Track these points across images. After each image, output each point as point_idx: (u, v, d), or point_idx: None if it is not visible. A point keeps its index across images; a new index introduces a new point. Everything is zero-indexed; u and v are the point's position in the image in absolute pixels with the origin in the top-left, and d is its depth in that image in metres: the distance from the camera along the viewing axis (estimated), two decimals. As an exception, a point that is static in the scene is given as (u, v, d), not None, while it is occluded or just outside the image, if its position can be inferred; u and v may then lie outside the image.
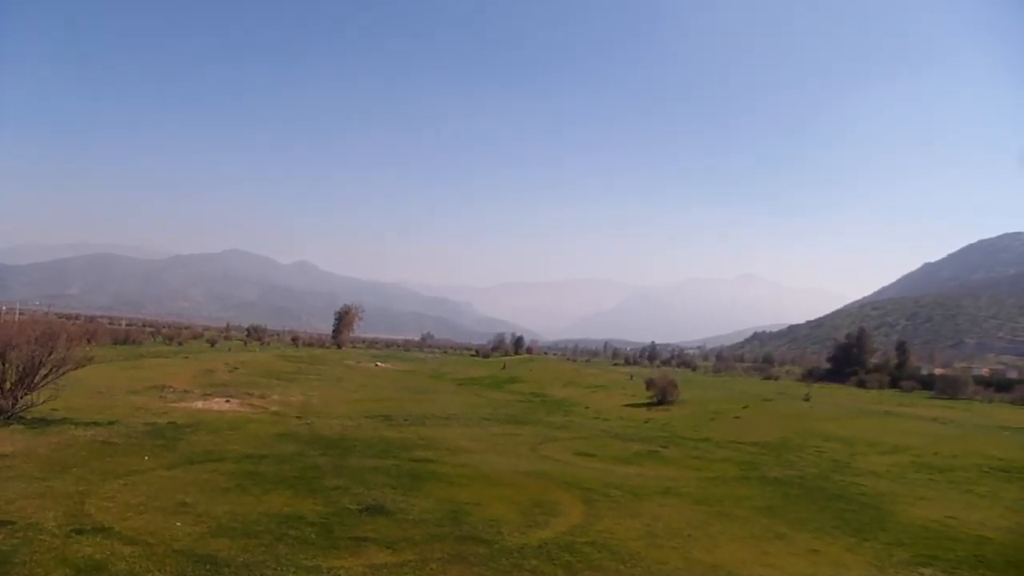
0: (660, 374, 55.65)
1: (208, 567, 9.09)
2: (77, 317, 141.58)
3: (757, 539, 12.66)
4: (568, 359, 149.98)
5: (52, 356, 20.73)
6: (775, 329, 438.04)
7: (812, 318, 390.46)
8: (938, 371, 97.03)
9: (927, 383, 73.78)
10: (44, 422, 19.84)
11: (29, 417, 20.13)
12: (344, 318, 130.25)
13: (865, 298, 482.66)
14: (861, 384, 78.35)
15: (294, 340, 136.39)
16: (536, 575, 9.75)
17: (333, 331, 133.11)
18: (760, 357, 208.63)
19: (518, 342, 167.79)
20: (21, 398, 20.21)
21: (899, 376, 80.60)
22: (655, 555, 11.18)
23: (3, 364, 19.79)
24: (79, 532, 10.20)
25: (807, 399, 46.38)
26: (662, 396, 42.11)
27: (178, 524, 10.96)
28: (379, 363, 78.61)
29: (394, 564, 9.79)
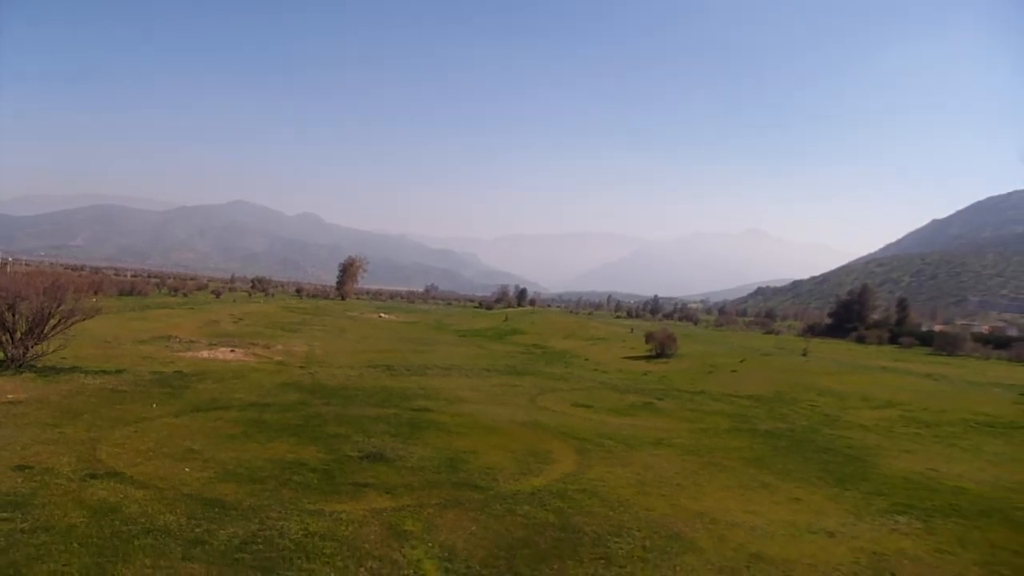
0: (660, 328, 56.09)
1: (216, 510, 9.57)
2: (82, 268, 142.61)
3: (743, 488, 13.13)
4: (571, 312, 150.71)
5: (60, 307, 21.18)
6: (779, 284, 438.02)
7: (817, 274, 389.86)
8: (938, 328, 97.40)
9: (926, 339, 74.13)
10: (54, 371, 20.36)
11: (40, 366, 20.67)
12: (348, 270, 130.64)
13: (871, 254, 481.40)
14: (861, 340, 78.83)
15: (299, 291, 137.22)
16: (528, 520, 10.22)
17: (337, 282, 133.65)
18: (762, 312, 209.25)
19: (521, 294, 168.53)
20: (31, 348, 20.73)
21: (899, 332, 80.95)
22: (643, 502, 11.67)
23: (13, 315, 20.26)
24: (93, 476, 10.70)
25: (804, 354, 46.86)
26: (661, 349, 42.62)
27: (186, 469, 11.46)
28: (382, 314, 79.19)
29: (392, 508, 10.27)
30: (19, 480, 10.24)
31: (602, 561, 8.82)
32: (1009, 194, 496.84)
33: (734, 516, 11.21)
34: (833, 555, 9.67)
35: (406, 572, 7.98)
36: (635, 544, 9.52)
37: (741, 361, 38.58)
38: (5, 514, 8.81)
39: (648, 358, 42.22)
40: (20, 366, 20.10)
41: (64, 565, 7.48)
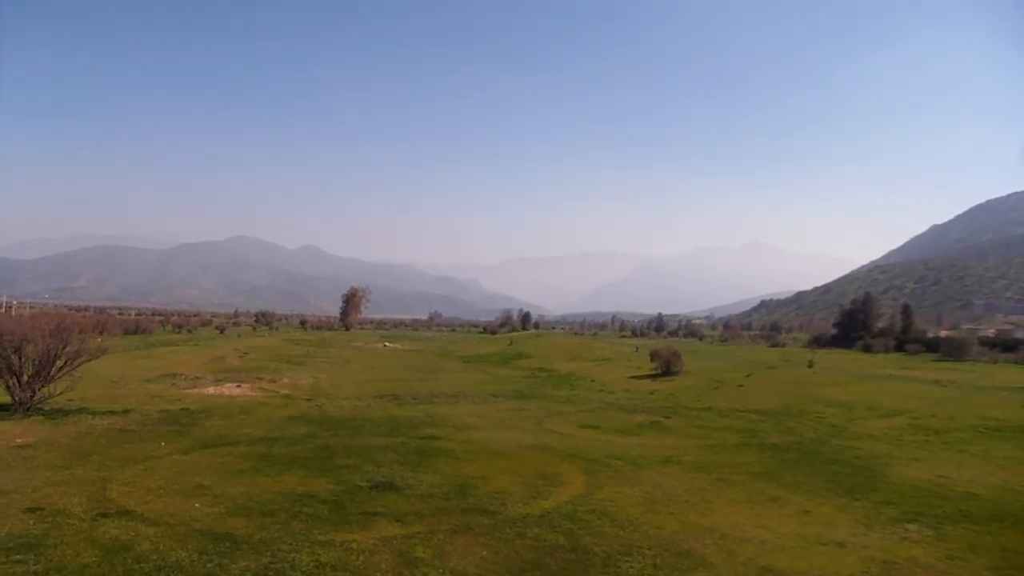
0: (664, 345, 56.08)
1: (227, 544, 9.63)
2: (86, 309, 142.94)
3: (752, 503, 13.15)
4: (575, 333, 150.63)
5: (66, 348, 21.31)
6: (783, 296, 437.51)
7: (820, 284, 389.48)
8: (944, 333, 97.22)
9: (932, 346, 73.96)
10: (62, 412, 20.46)
11: (47, 408, 20.78)
12: (351, 300, 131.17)
13: (873, 262, 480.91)
14: (867, 349, 78.68)
15: (303, 324, 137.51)
16: (538, 542, 10.26)
17: (341, 313, 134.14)
18: (767, 325, 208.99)
19: (525, 318, 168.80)
20: (39, 390, 20.83)
21: (904, 340, 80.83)
22: (653, 520, 11.69)
23: (19, 358, 20.39)
24: (104, 516, 10.76)
25: (810, 366, 46.81)
26: (667, 367, 42.62)
27: (196, 505, 11.52)
28: (387, 343, 79.29)
29: (403, 536, 10.32)
30: (31, 522, 10.31)
31: (613, 581, 8.86)
32: (1008, 196, 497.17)
33: (744, 531, 11.23)
34: (843, 565, 9.68)
35: (418, 599, 8.03)
36: (645, 563, 9.55)
37: (747, 376, 38.56)
38: (19, 556, 8.88)
39: (654, 376, 42.21)
40: (28, 409, 20.21)
41: (79, 605, 7.54)
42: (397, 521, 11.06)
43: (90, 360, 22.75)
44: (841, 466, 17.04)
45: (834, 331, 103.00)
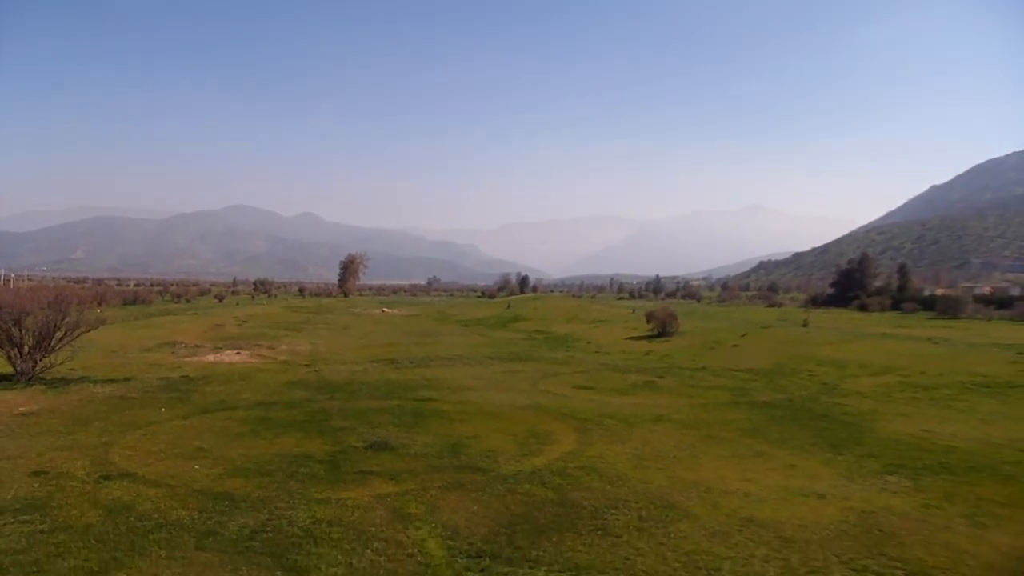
0: (660, 307, 56.33)
1: (226, 503, 9.95)
2: (85, 280, 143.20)
3: (739, 458, 13.48)
4: (573, 296, 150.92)
5: (65, 320, 21.55)
6: (781, 257, 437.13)
7: (818, 245, 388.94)
8: (940, 292, 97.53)
9: (928, 304, 74.19)
10: (64, 382, 20.76)
11: (49, 378, 21.06)
12: (349, 267, 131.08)
13: (872, 223, 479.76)
14: (863, 308, 78.91)
15: (301, 291, 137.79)
16: (528, 497, 10.59)
17: (339, 280, 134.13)
18: (765, 285, 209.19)
19: (523, 281, 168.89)
20: (40, 361, 21.11)
21: (900, 298, 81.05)
22: (641, 475, 12.03)
23: (20, 330, 20.64)
24: (106, 478, 11.08)
25: (805, 324, 47.11)
26: (663, 328, 42.88)
27: (196, 467, 11.84)
28: (385, 309, 79.56)
29: (397, 493, 10.65)
30: (36, 485, 10.62)
31: (599, 532, 9.18)
32: (1007, 156, 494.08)
33: (729, 484, 11.56)
34: (823, 515, 10.02)
35: (411, 551, 8.35)
36: (631, 515, 9.88)
37: (742, 336, 38.86)
38: (25, 516, 9.20)
39: (650, 338, 42.50)
40: (30, 379, 20.50)
41: (84, 560, 7.86)
42: (391, 479, 11.38)
43: (89, 331, 23.01)
44: (828, 422, 17.38)
45: (831, 291, 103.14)
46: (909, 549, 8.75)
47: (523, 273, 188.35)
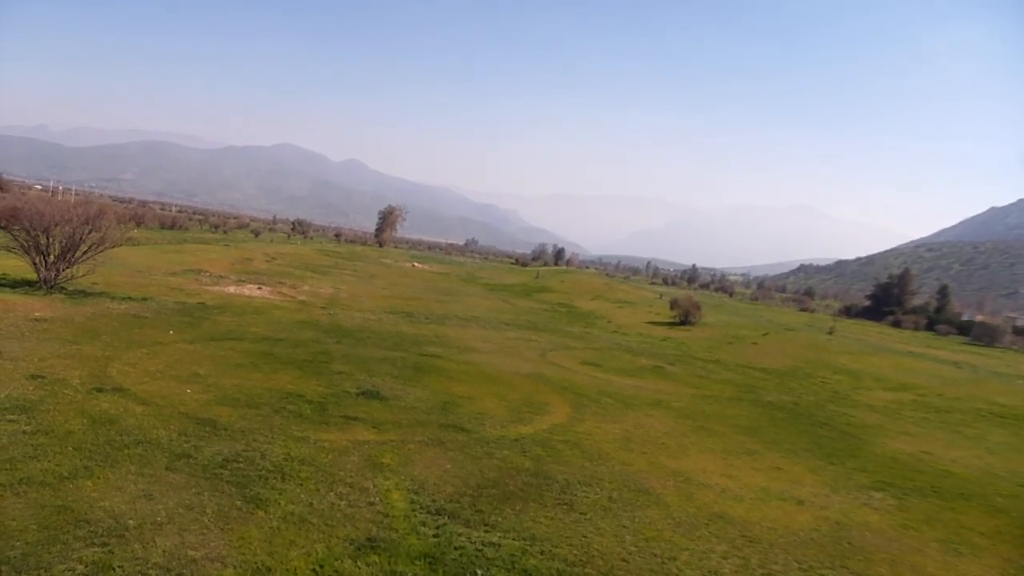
0: (686, 295, 55.81)
1: (207, 429, 10.11)
2: (130, 201, 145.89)
3: (727, 453, 13.35)
4: (606, 275, 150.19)
5: (91, 234, 21.95)
6: (823, 263, 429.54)
7: (863, 255, 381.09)
8: (980, 318, 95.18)
9: (965, 329, 72.54)
10: (83, 294, 21.20)
11: (70, 289, 21.52)
12: (387, 218, 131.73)
13: (923, 238, 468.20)
14: (897, 324, 77.55)
15: (337, 236, 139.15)
16: (504, 463, 10.59)
17: (376, 230, 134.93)
18: (802, 289, 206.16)
19: (559, 254, 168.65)
20: (63, 271, 21.57)
21: (937, 320, 79.44)
22: (623, 457, 11.97)
23: (48, 239, 21.07)
24: (99, 390, 11.31)
25: (830, 332, 46.36)
26: (685, 317, 42.53)
27: (188, 391, 12.03)
28: (416, 263, 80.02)
29: (375, 442, 10.72)
30: (31, 388, 10.87)
31: (565, 507, 9.16)
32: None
33: (709, 478, 11.46)
34: (795, 521, 9.88)
35: (373, 499, 8.40)
36: (602, 494, 9.84)
37: (764, 335, 38.38)
38: (12, 416, 9.43)
39: (671, 324, 42.19)
40: (51, 288, 20.97)
41: (56, 465, 8.04)
42: (374, 428, 11.47)
43: (113, 247, 23.40)
44: (828, 430, 17.13)
45: (867, 303, 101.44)
46: (874, 566, 8.60)
47: (560, 245, 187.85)
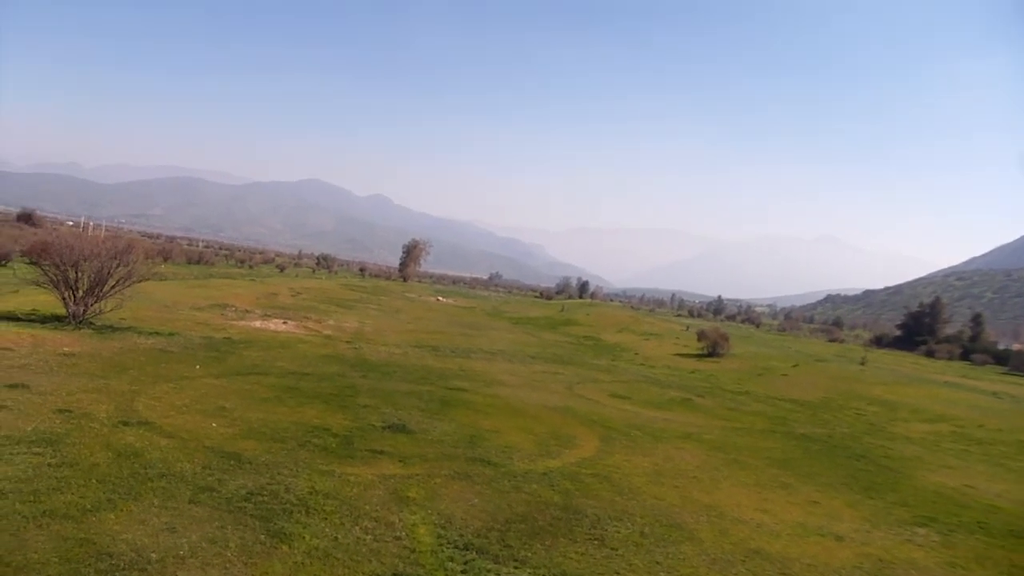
0: (713, 327, 55.19)
1: (232, 462, 10.00)
2: (158, 237, 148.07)
3: (761, 487, 12.97)
4: (631, 307, 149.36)
5: (119, 268, 22.20)
6: (851, 293, 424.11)
7: (891, 285, 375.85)
8: (1017, 347, 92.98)
9: (1002, 359, 70.81)
10: (111, 329, 21.37)
11: (98, 324, 21.71)
12: (412, 252, 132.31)
13: (952, 267, 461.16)
14: (930, 354, 75.88)
15: (361, 270, 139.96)
16: (532, 498, 10.35)
17: (400, 264, 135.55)
18: (830, 319, 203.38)
19: (583, 287, 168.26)
20: (91, 306, 21.79)
21: (972, 349, 77.61)
22: (654, 491, 11.66)
23: (76, 273, 21.33)
24: (125, 424, 11.27)
25: (863, 363, 45.51)
26: (713, 348, 42.01)
27: (213, 425, 11.96)
28: (440, 298, 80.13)
29: (402, 476, 10.54)
30: (57, 421, 10.86)
31: (596, 542, 8.89)
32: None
33: (743, 512, 11.10)
34: (836, 558, 9.50)
35: (399, 534, 8.21)
36: (634, 529, 9.55)
37: (794, 366, 37.76)
38: (38, 449, 9.40)
39: (699, 356, 41.68)
40: (80, 323, 21.17)
41: (80, 497, 7.96)
42: (400, 461, 11.28)
43: (140, 281, 23.66)
44: (866, 463, 16.64)
45: (897, 333, 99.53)
46: (922, 606, 8.21)
47: (584, 279, 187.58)
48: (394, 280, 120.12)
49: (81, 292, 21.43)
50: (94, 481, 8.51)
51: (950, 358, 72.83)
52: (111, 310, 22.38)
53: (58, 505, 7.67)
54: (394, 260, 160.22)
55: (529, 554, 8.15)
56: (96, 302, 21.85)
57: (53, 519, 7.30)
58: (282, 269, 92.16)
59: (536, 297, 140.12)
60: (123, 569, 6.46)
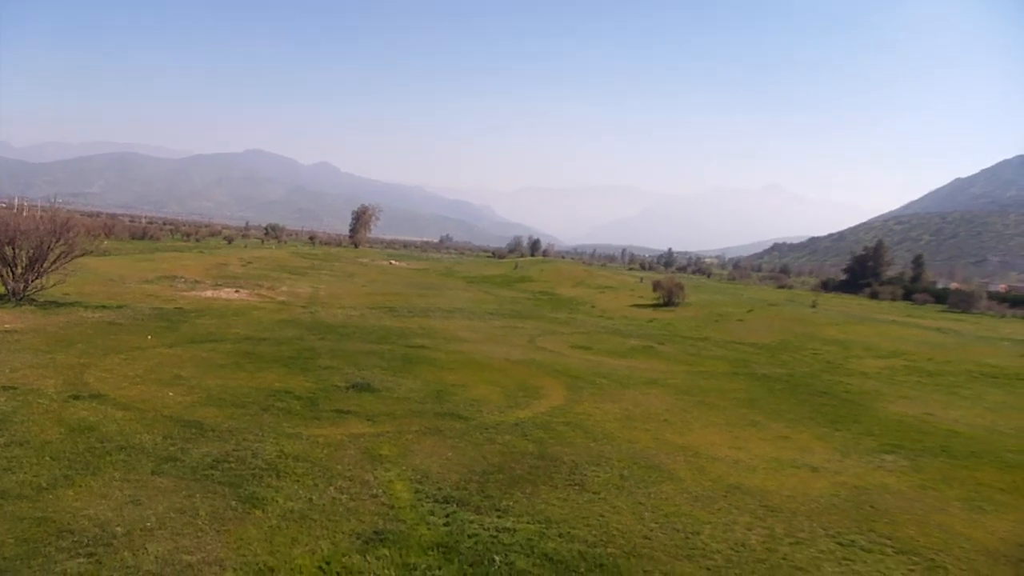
0: (667, 277, 55.64)
1: (193, 431, 9.58)
2: (98, 215, 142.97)
3: (731, 426, 13.04)
4: (584, 263, 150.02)
5: (59, 244, 21.21)
6: (796, 241, 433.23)
7: (835, 231, 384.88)
8: (954, 286, 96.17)
9: (941, 297, 73.15)
10: (55, 304, 20.46)
11: (41, 300, 20.77)
12: (361, 218, 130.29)
13: (891, 212, 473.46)
14: (874, 296, 78.01)
15: (311, 239, 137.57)
16: (507, 448, 10.18)
17: (350, 231, 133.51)
18: (778, 267, 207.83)
19: (535, 245, 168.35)
20: (32, 282, 20.80)
21: (913, 289, 80.00)
22: (627, 435, 11.61)
23: (13, 250, 20.29)
24: (76, 398, 10.73)
25: (814, 306, 46.45)
26: (668, 298, 42.31)
27: (170, 394, 11.48)
28: (393, 261, 79.21)
29: (372, 434, 10.26)
30: (2, 399, 10.28)
31: (576, 487, 8.77)
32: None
33: (718, 451, 11.13)
34: (813, 488, 9.57)
35: (376, 492, 7.96)
36: (612, 473, 9.47)
37: (749, 311, 38.28)
38: (-16, 429, 8.86)
39: (655, 306, 41.95)
40: (20, 299, 20.21)
41: (34, 476, 7.51)
42: (368, 420, 11.00)
43: (82, 255, 22.70)
44: (828, 398, 16.92)
45: (843, 277, 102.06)
46: (901, 527, 8.30)
47: (535, 237, 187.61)
48: (345, 247, 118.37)
49: (20, 269, 20.43)
50: (47, 458, 8.05)
51: (893, 299, 75.00)
52: (54, 285, 21.43)
53: (10, 485, 7.22)
54: (344, 228, 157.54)
55: (511, 503, 7.99)
56: (37, 278, 20.87)
57: (6, 500, 6.87)
58: (230, 241, 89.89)
59: (489, 257, 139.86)
60: (87, 545, 6.09)
